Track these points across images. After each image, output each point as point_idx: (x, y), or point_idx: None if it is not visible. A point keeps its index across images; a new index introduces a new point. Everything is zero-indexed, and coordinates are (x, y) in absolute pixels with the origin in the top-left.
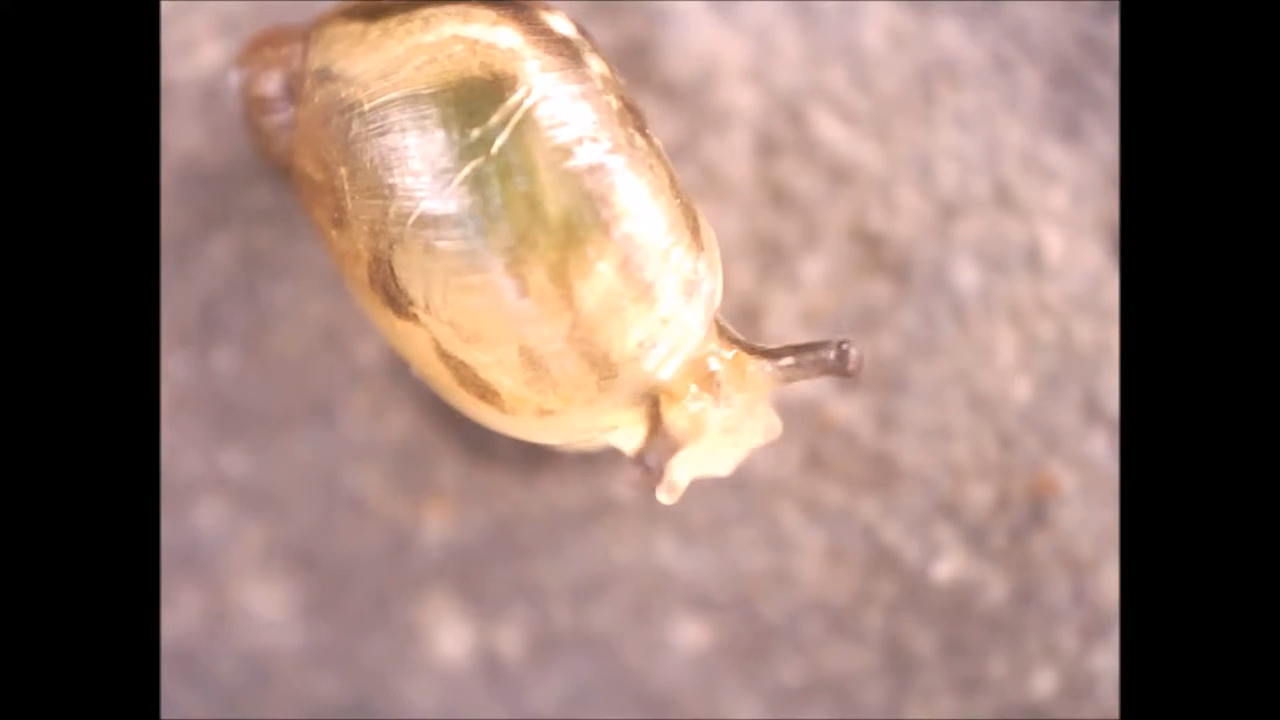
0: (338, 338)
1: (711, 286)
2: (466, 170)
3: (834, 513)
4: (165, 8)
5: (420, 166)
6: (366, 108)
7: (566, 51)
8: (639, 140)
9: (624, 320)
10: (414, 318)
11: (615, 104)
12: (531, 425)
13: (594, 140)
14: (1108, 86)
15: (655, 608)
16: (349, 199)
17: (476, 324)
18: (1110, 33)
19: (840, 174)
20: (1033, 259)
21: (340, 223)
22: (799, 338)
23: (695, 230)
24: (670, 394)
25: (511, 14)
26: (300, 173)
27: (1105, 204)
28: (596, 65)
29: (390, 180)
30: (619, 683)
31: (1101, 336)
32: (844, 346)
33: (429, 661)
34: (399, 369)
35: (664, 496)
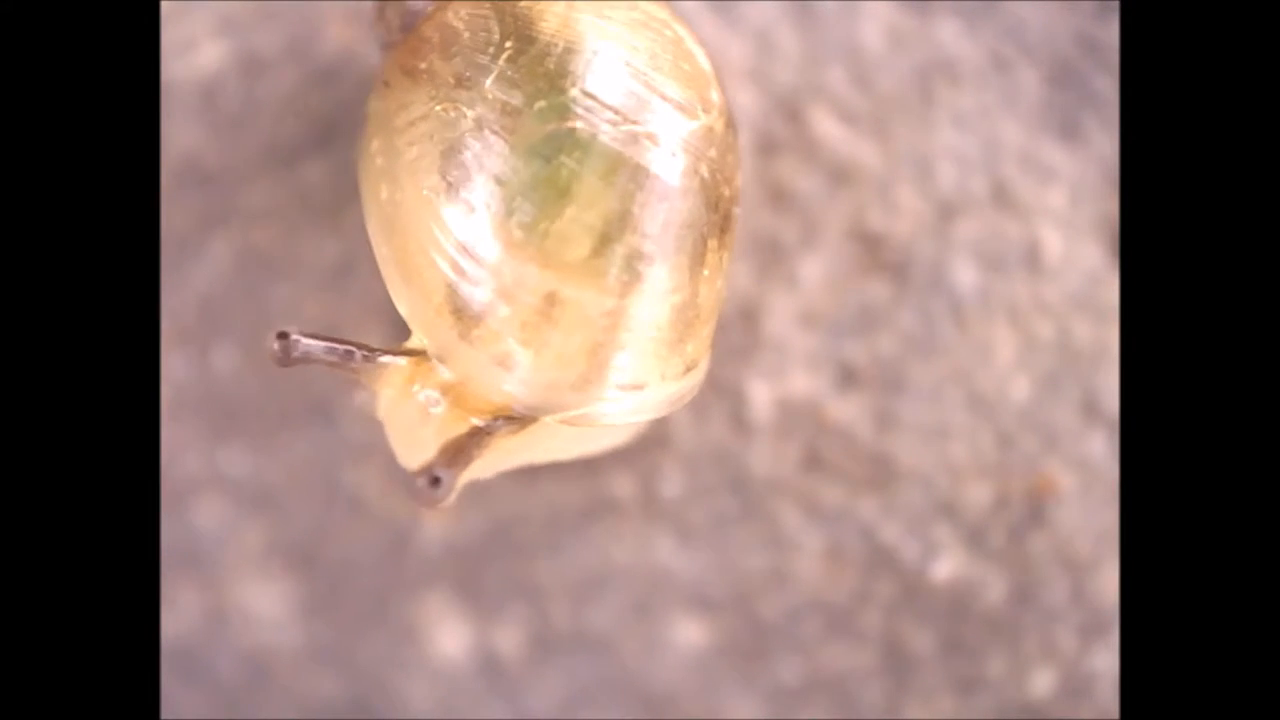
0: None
1: (689, 388)
2: (629, 129)
3: (833, 513)
4: (165, 8)
5: (599, 88)
6: (568, 14)
7: (731, 109)
8: (738, 209)
9: (643, 353)
10: (471, 208)
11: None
12: (473, 366)
13: (730, 186)
14: (1107, 86)
15: (654, 607)
16: (496, 69)
17: (536, 245)
18: (1110, 33)
19: (840, 174)
20: (1031, 259)
21: (465, 83)
22: (798, 337)
23: (711, 334)
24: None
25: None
26: (441, 22)
27: (1105, 204)
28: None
29: (557, 83)
30: (618, 682)
31: (1101, 336)
32: (435, 475)
33: (428, 661)
34: None
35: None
